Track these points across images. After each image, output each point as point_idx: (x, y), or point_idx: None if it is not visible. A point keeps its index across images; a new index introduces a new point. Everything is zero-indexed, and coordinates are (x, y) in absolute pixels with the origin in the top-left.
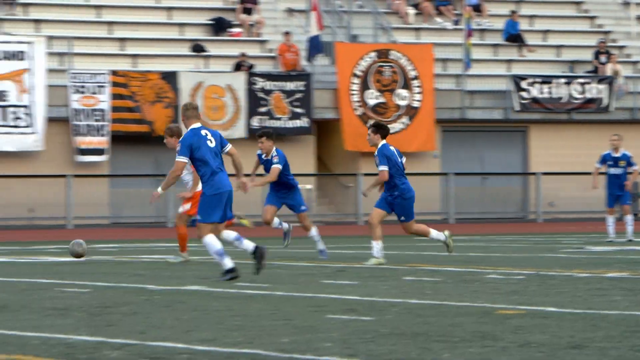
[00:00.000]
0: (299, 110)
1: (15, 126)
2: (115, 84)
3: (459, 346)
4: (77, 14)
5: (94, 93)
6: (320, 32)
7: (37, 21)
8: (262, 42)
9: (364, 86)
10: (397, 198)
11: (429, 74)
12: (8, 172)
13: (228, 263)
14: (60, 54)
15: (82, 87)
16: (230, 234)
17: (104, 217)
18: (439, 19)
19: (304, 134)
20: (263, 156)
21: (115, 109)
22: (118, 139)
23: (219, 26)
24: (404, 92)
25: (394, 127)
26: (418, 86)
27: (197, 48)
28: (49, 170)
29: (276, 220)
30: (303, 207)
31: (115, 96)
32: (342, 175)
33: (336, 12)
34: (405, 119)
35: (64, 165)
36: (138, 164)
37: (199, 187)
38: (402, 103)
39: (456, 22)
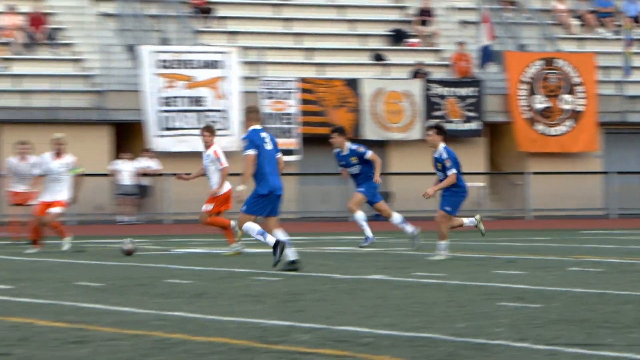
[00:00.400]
0: (471, 114)
1: None
2: (303, 90)
3: (621, 332)
4: (269, 26)
5: (284, 98)
6: (491, 42)
7: (232, 33)
8: (438, 51)
9: (531, 92)
10: (456, 194)
11: (591, 81)
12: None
13: (271, 240)
14: (253, 63)
15: (273, 93)
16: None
17: (294, 212)
18: (600, 30)
19: (476, 136)
20: (340, 153)
21: (303, 113)
22: (306, 140)
23: (398, 37)
24: (568, 97)
25: (559, 129)
26: (582, 92)
27: (378, 57)
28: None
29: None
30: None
31: (303, 101)
32: (511, 174)
33: (505, 24)
34: (569, 122)
35: None
36: (324, 163)
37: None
38: (567, 107)
39: (617, 33)
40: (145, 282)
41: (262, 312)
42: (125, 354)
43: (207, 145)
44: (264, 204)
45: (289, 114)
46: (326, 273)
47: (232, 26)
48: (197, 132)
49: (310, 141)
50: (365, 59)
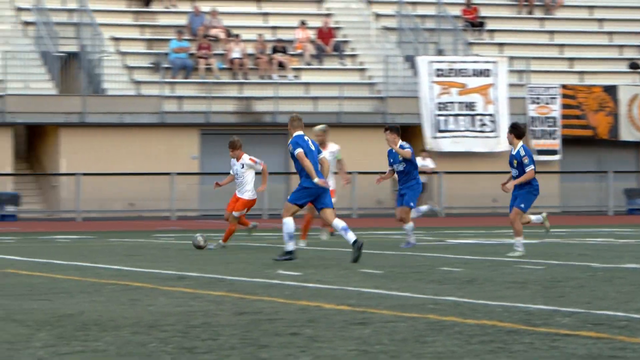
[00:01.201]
0: None
1: (482, 131)
2: (564, 96)
3: None
4: (534, 38)
5: (547, 103)
6: None
7: (500, 44)
8: None
9: None
10: (529, 193)
11: None
12: (475, 169)
13: (290, 246)
14: (519, 72)
15: (538, 98)
16: (339, 223)
17: (556, 206)
18: None
19: None
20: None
21: (564, 116)
22: (567, 141)
23: None
24: None
25: None
26: None
27: (634, 65)
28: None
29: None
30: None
31: (565, 106)
32: None
33: None
34: None
35: None
36: (583, 162)
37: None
38: None
39: None
40: (421, 269)
41: (527, 297)
42: (402, 335)
43: (237, 157)
44: (305, 195)
45: (552, 118)
46: (585, 262)
47: (500, 38)
48: (470, 133)
49: (570, 142)
50: (622, 67)
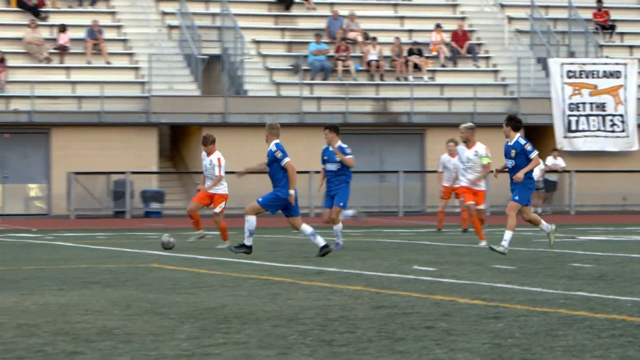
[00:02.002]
0: None
1: (612, 131)
2: None
3: None
4: None
5: None
6: None
7: (630, 47)
8: None
9: None
10: (525, 186)
11: None
12: (605, 167)
13: (249, 241)
14: None
15: None
16: (307, 229)
17: None
18: None
19: None
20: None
21: None
22: None
23: None
24: None
25: None
26: None
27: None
28: None
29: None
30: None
31: None
32: None
33: None
34: None
35: None
36: None
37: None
38: None
39: None
40: (552, 265)
41: None
42: (534, 328)
43: (209, 153)
44: (280, 204)
45: None
46: None
47: (630, 41)
48: (601, 133)
49: None
50: None
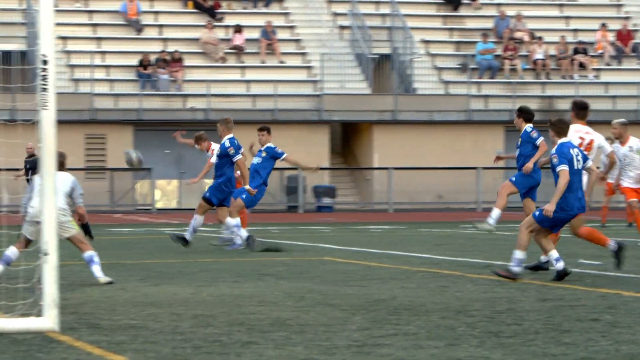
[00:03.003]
0: None
1: None
2: None
3: None
4: None
5: None
6: None
7: None
8: None
9: None
10: (527, 176)
11: None
12: None
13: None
14: None
15: None
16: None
17: None
18: None
19: None
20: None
21: None
22: None
23: None
24: None
25: None
26: None
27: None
28: None
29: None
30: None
31: None
32: None
33: None
34: None
35: None
36: None
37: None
38: None
39: None
40: None
41: None
42: None
43: (207, 149)
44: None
45: None
46: None
47: None
48: None
49: None
50: None
